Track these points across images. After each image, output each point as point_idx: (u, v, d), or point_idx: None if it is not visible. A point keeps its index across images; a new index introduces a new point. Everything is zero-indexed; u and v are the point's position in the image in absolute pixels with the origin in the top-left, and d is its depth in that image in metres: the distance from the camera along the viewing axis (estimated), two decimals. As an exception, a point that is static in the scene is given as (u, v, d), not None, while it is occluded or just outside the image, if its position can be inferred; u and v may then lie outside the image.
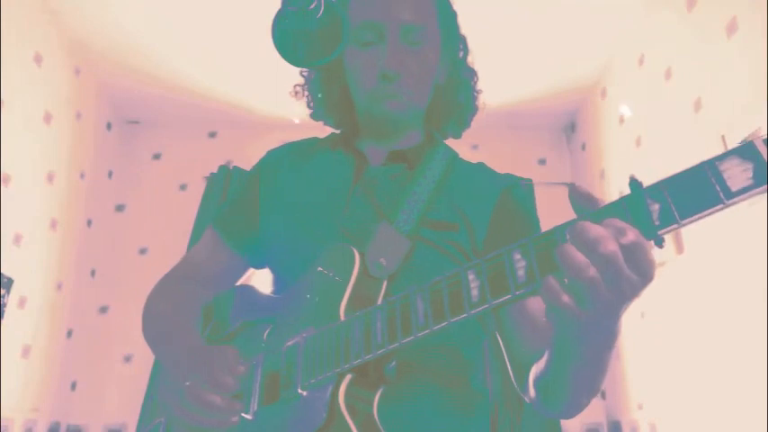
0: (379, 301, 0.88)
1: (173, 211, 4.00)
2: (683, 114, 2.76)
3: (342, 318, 0.87)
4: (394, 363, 0.84)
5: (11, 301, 3.02)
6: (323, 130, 1.29)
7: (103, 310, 3.86)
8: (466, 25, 1.26)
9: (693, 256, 2.67)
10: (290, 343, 0.90)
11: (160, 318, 1.12)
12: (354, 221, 1.02)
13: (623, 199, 0.60)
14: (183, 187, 4.14)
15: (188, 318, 1.09)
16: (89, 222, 3.85)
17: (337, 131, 1.26)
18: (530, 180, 3.68)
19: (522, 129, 4.31)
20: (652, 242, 0.58)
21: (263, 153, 1.26)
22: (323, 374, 0.82)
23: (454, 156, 1.16)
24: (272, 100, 3.89)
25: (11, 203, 2.95)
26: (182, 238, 3.70)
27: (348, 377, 0.82)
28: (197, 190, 4.04)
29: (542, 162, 4.29)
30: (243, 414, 0.88)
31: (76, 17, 3.28)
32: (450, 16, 1.18)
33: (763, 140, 0.55)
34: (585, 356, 0.69)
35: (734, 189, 0.55)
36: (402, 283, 0.91)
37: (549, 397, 0.82)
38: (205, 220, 3.74)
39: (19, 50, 3.00)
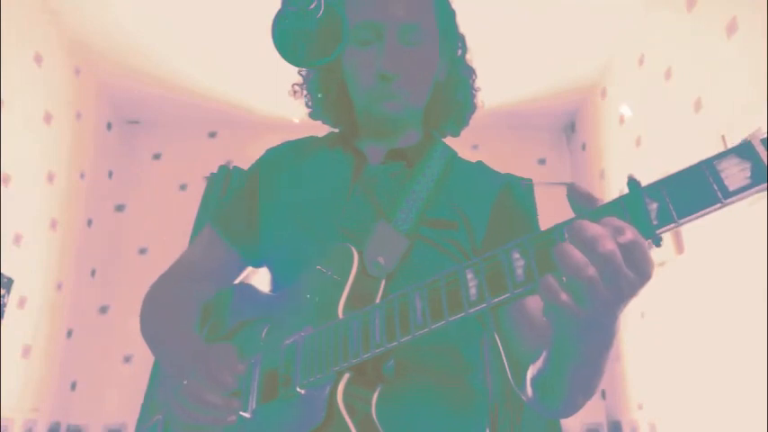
0: (378, 300, 0.88)
1: (173, 211, 4.00)
2: (683, 114, 2.76)
3: (340, 316, 0.87)
4: (392, 362, 0.84)
5: (11, 301, 3.02)
6: (323, 130, 1.30)
7: (103, 310, 3.86)
8: (466, 25, 1.26)
9: (693, 256, 2.68)
10: (288, 342, 0.91)
11: (158, 316, 1.12)
12: (353, 220, 1.02)
13: (622, 198, 0.60)
14: (183, 187, 4.14)
15: (186, 316, 1.09)
16: (89, 222, 3.85)
17: (336, 130, 1.26)
18: (530, 180, 3.69)
19: (522, 129, 4.31)
20: (650, 241, 0.58)
21: (262, 153, 1.27)
22: (321, 373, 0.82)
23: (453, 154, 1.16)
24: (272, 100, 3.90)
25: (11, 203, 2.96)
26: (182, 238, 3.70)
27: (346, 376, 0.82)
28: (197, 190, 4.04)
29: (542, 162, 4.29)
30: (241, 412, 0.88)
31: (76, 17, 3.28)
32: (449, 15, 1.18)
33: (761, 140, 0.55)
34: (584, 355, 0.69)
35: (732, 188, 0.55)
36: (401, 282, 0.90)
37: (547, 396, 0.82)
38: (205, 219, 3.74)
39: (19, 50, 3.00)
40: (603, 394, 3.66)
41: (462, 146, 1.24)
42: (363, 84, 1.09)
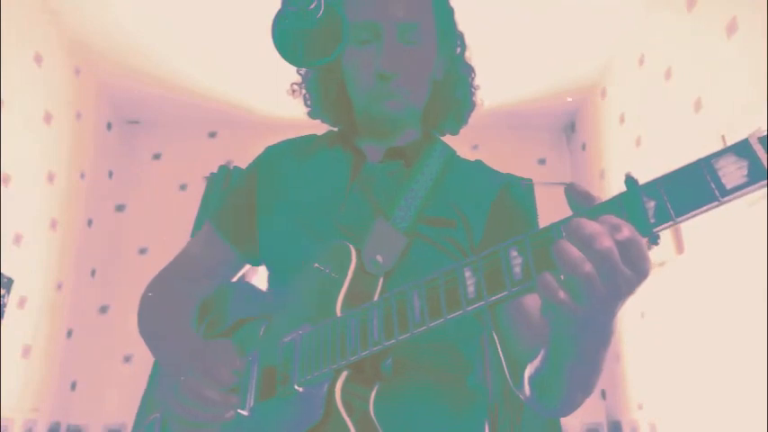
0: (376, 298, 0.88)
1: (173, 211, 4.00)
2: (683, 114, 2.76)
3: (338, 314, 0.87)
4: (390, 359, 0.84)
5: (11, 301, 3.02)
6: (324, 130, 1.30)
7: (103, 310, 3.87)
8: (466, 26, 1.26)
9: (693, 256, 2.68)
10: (286, 339, 0.91)
11: (155, 314, 1.13)
12: (351, 218, 1.02)
13: (619, 196, 0.60)
14: (183, 187, 4.14)
15: (183, 314, 1.09)
16: (89, 222, 3.85)
17: (335, 129, 1.26)
18: (530, 180, 3.69)
19: (522, 129, 4.31)
20: (648, 239, 0.58)
21: (262, 151, 1.27)
22: (319, 371, 0.82)
23: (452, 153, 1.16)
24: (272, 100, 3.90)
25: (11, 203, 2.96)
26: (182, 238, 3.69)
27: (344, 374, 0.82)
28: (197, 190, 4.04)
29: (542, 162, 4.29)
30: (239, 410, 0.88)
31: (76, 17, 3.29)
32: (447, 13, 1.18)
33: (759, 138, 0.55)
34: (581, 353, 0.69)
35: (729, 186, 0.55)
36: (399, 280, 0.90)
37: (545, 394, 0.82)
38: (205, 219, 3.74)
39: (19, 50, 3.00)
40: (603, 394, 3.66)
41: (462, 146, 1.24)
42: (362, 83, 1.09)
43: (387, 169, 1.10)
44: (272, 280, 1.11)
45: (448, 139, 1.24)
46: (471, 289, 0.68)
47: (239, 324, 1.03)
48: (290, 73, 1.24)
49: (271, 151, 1.24)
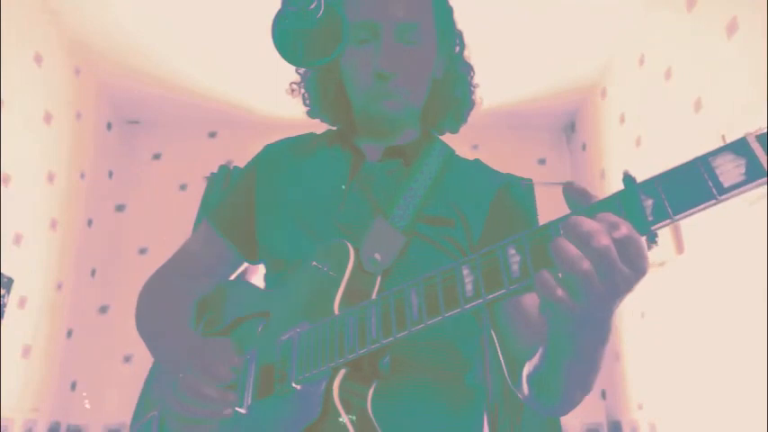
0: (374, 297, 0.88)
1: (173, 211, 4.00)
2: (683, 114, 2.76)
3: (336, 312, 0.87)
4: (388, 357, 0.84)
5: (11, 301, 3.02)
6: (323, 129, 1.30)
7: (103, 310, 3.87)
8: (466, 26, 1.26)
9: (693, 256, 2.67)
10: (284, 337, 0.91)
11: (154, 312, 1.13)
12: (350, 217, 1.02)
13: (617, 194, 0.60)
14: (183, 187, 4.15)
15: (181, 312, 1.09)
16: (89, 222, 3.86)
17: (334, 128, 1.26)
18: (530, 180, 3.69)
19: (522, 129, 4.31)
20: (646, 237, 0.58)
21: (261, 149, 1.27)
22: (317, 369, 0.82)
23: (451, 152, 1.16)
24: (272, 100, 3.90)
25: (11, 203, 2.96)
26: (182, 238, 3.67)
27: (342, 371, 0.82)
28: (197, 190, 4.04)
29: (542, 162, 4.29)
30: (237, 408, 0.88)
31: (76, 17, 3.29)
32: (446, 12, 1.18)
33: (756, 137, 0.56)
34: (579, 351, 0.69)
35: (726, 185, 0.55)
36: (397, 279, 0.90)
37: (543, 392, 0.82)
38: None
39: (19, 50, 3.01)
40: (603, 394, 3.66)
41: (462, 145, 1.24)
42: (361, 83, 1.09)
43: (386, 168, 1.10)
44: (270, 278, 1.11)
45: (447, 138, 1.24)
46: (469, 287, 0.68)
47: (237, 322, 1.03)
48: (290, 73, 1.24)
49: (270, 150, 1.24)
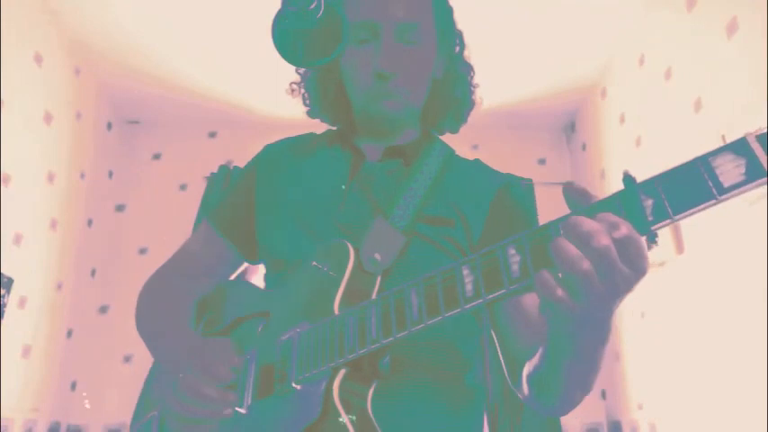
0: (374, 297, 0.88)
1: (173, 211, 4.00)
2: (683, 114, 2.76)
3: (336, 312, 0.87)
4: (388, 357, 0.84)
5: (11, 301, 3.02)
6: (323, 129, 1.30)
7: (103, 310, 3.87)
8: (466, 26, 1.26)
9: (693, 256, 2.67)
10: (284, 337, 0.91)
11: (154, 312, 1.13)
12: (350, 217, 1.02)
13: (617, 194, 0.60)
14: (183, 187, 4.15)
15: (181, 312, 1.09)
16: (89, 222, 3.86)
17: (334, 128, 1.26)
18: (530, 180, 3.69)
19: (522, 129, 4.31)
20: (646, 237, 0.58)
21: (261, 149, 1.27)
22: (317, 369, 0.82)
23: (451, 152, 1.16)
24: (272, 100, 3.90)
25: (11, 203, 2.96)
26: (182, 238, 3.67)
27: (342, 371, 0.82)
28: (197, 190, 4.04)
29: (542, 162, 4.29)
30: (237, 408, 0.88)
31: (76, 17, 3.29)
32: (446, 12, 1.18)
33: (756, 137, 0.56)
34: (579, 351, 0.69)
35: (726, 185, 0.55)
36: (397, 279, 0.90)
37: (543, 392, 0.82)
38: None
39: (19, 50, 3.01)
40: (603, 394, 3.66)
41: (462, 146, 1.23)
42: (360, 83, 1.09)
43: (386, 168, 1.10)
44: (269, 278, 1.11)
45: (448, 138, 1.24)
46: (469, 287, 0.68)
47: (237, 322, 1.03)
48: (290, 73, 1.25)
49: (269, 150, 1.24)
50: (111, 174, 4.12)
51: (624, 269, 0.58)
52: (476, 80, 1.25)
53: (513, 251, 0.65)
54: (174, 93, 3.95)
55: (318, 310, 0.89)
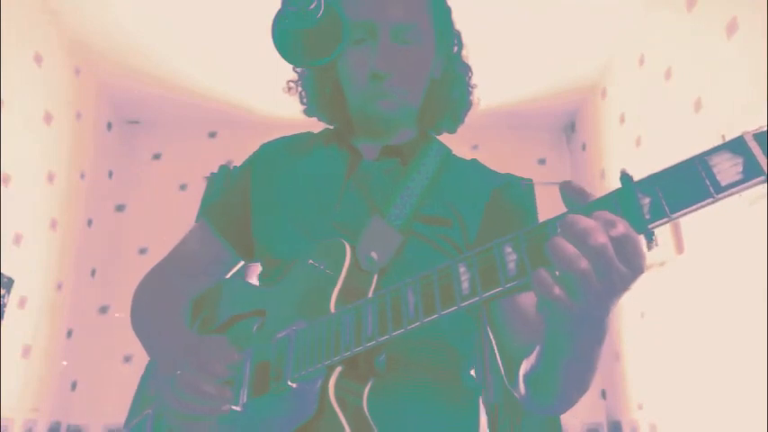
0: (370, 295, 0.88)
1: (173, 211, 4.00)
2: (683, 114, 2.76)
3: (332, 311, 0.87)
4: (384, 356, 0.84)
5: (11, 301, 3.02)
6: (322, 128, 1.30)
7: (103, 310, 3.87)
8: (466, 26, 1.26)
9: (693, 256, 2.67)
10: (280, 335, 0.91)
11: (149, 310, 1.13)
12: (347, 216, 1.02)
13: (614, 192, 0.60)
14: (183, 187, 4.15)
15: (177, 311, 1.09)
16: (89, 222, 3.86)
17: (331, 127, 1.26)
18: (530, 180, 3.69)
19: (522, 129, 4.31)
20: (643, 236, 0.58)
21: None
22: (313, 367, 0.82)
23: (448, 152, 1.16)
24: (272, 100, 3.90)
25: (11, 203, 2.96)
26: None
27: (338, 369, 0.82)
28: (197, 190, 4.05)
29: (542, 162, 4.29)
30: (232, 406, 0.88)
31: (76, 17, 3.29)
32: (444, 12, 1.18)
33: (753, 135, 0.56)
34: (577, 350, 0.69)
35: (723, 183, 0.55)
36: (393, 277, 0.90)
37: (540, 392, 0.82)
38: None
39: (19, 50, 3.01)
40: (603, 394, 3.66)
41: (462, 146, 1.23)
42: (357, 82, 1.09)
43: (383, 167, 1.10)
44: (266, 277, 1.11)
45: (448, 138, 1.23)
46: (465, 285, 0.68)
47: (233, 321, 1.03)
48: (290, 73, 1.25)
49: (266, 149, 1.24)
50: (111, 174, 4.12)
51: (621, 268, 0.58)
52: (475, 80, 1.25)
53: (509, 249, 0.65)
54: (174, 93, 3.96)
55: (315, 309, 0.89)
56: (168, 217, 4.01)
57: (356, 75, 1.08)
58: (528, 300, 0.93)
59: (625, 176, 0.60)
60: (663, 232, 2.77)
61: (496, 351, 0.99)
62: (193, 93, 3.96)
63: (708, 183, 0.55)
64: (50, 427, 3.44)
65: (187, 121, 4.27)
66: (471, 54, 1.26)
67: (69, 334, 3.64)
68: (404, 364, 0.91)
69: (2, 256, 2.89)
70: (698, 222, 2.61)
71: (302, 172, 1.13)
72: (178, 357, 0.92)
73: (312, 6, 0.77)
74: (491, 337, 1.01)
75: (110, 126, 4.11)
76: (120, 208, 4.13)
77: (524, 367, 0.83)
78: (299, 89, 1.25)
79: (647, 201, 0.58)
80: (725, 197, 0.55)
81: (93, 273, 3.90)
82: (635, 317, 3.26)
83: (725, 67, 2.47)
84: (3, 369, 2.88)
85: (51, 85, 3.36)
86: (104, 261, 3.95)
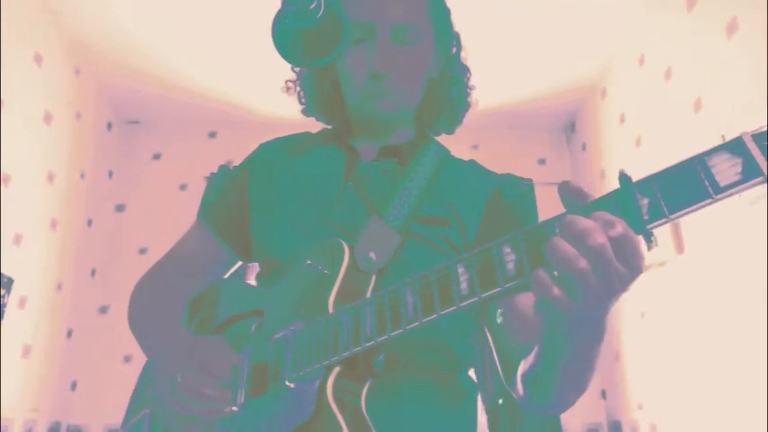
0: (369, 295, 0.88)
1: (173, 211, 4.00)
2: (683, 114, 2.76)
3: (330, 311, 0.87)
4: (382, 356, 0.84)
5: (11, 301, 3.02)
6: (321, 128, 1.29)
7: (103, 310, 3.87)
8: (466, 26, 1.25)
9: (693, 256, 2.67)
10: (278, 336, 0.91)
11: (147, 310, 1.13)
12: (345, 216, 1.02)
13: (613, 193, 0.60)
14: (182, 187, 4.15)
15: (175, 311, 1.09)
16: (89, 222, 3.86)
17: (329, 127, 1.26)
18: (530, 180, 3.68)
19: (522, 129, 4.31)
20: (642, 236, 0.58)
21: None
22: (311, 367, 0.82)
23: (446, 153, 1.16)
24: (272, 100, 3.90)
25: (11, 203, 2.96)
26: (182, 238, 3.70)
27: (336, 370, 0.82)
28: (197, 190, 4.05)
29: (542, 162, 4.29)
30: (231, 408, 0.89)
31: (76, 17, 3.29)
32: (443, 13, 1.17)
33: (752, 136, 0.56)
34: (575, 350, 0.69)
35: (722, 184, 0.55)
36: (391, 278, 0.90)
37: (537, 392, 0.82)
38: (204, 219, 3.75)
39: (19, 50, 3.01)
40: (603, 394, 3.66)
41: (462, 146, 1.23)
42: (355, 82, 1.08)
43: (381, 168, 1.10)
44: (264, 277, 1.11)
45: (448, 138, 1.23)
46: (464, 285, 0.68)
47: (231, 321, 1.03)
48: (290, 73, 1.25)
49: (263, 149, 1.24)
50: (111, 174, 4.12)
51: (620, 268, 0.58)
52: (475, 80, 1.25)
53: (508, 249, 0.65)
54: (174, 93, 3.96)
55: (313, 309, 0.89)
56: (168, 217, 4.01)
57: (355, 75, 1.08)
58: (526, 300, 0.93)
59: (624, 177, 0.60)
60: (663, 232, 2.77)
61: (494, 351, 0.99)
62: (193, 93, 3.96)
63: (707, 183, 0.56)
64: (50, 427, 3.44)
65: (187, 121, 4.27)
66: (471, 54, 1.26)
67: (69, 334, 3.64)
68: (402, 365, 0.92)
69: (2, 256, 2.89)
70: (698, 222, 2.61)
71: (300, 172, 1.13)
72: (177, 359, 0.92)
73: (312, 6, 0.77)
74: (489, 337, 1.01)
75: (110, 126, 4.11)
76: (120, 208, 4.13)
77: (522, 368, 0.82)
78: (298, 89, 1.25)
79: (645, 201, 0.58)
80: (724, 198, 0.55)
81: (93, 273, 3.90)
82: (635, 317, 3.26)
83: (725, 67, 2.47)
84: (3, 369, 2.88)
85: (51, 85, 3.36)
86: (104, 261, 3.95)
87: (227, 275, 1.21)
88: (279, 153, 1.20)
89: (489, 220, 1.04)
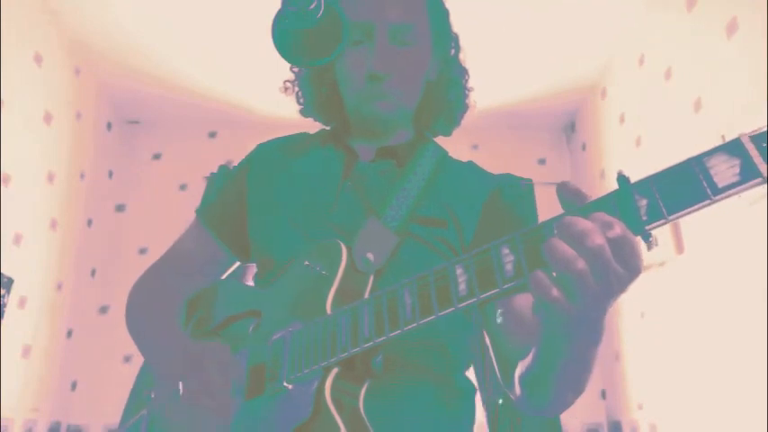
0: (366, 296, 0.88)
1: (173, 211, 4.00)
2: (683, 114, 2.76)
3: (328, 312, 0.87)
4: (381, 357, 0.84)
5: (11, 301, 3.02)
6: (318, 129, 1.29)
7: (103, 310, 3.87)
8: (466, 25, 1.25)
9: (693, 256, 2.67)
10: (276, 337, 0.90)
11: (145, 311, 1.13)
12: (343, 217, 1.02)
13: (611, 194, 0.60)
14: (182, 187, 4.15)
15: (173, 311, 1.09)
16: (89, 222, 3.86)
17: (327, 128, 1.26)
18: (529, 180, 3.68)
19: (522, 129, 4.31)
20: (640, 237, 0.58)
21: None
22: (309, 368, 0.82)
23: (444, 154, 1.16)
24: (272, 100, 3.90)
25: (11, 203, 2.96)
26: (182, 238, 3.70)
27: (334, 371, 0.82)
28: (197, 190, 4.05)
29: (542, 162, 4.29)
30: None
31: (76, 17, 3.29)
32: (442, 14, 1.17)
33: (750, 137, 0.56)
34: (573, 351, 0.69)
35: (720, 185, 0.55)
36: (389, 279, 0.90)
37: (535, 393, 0.82)
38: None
39: (19, 50, 3.01)
40: (603, 394, 3.66)
41: (462, 146, 1.23)
42: (354, 83, 1.08)
43: (379, 168, 1.10)
44: (261, 278, 1.11)
45: (448, 139, 1.23)
46: (462, 286, 0.68)
47: (228, 321, 1.03)
48: (290, 73, 1.25)
49: (262, 149, 1.24)
50: (111, 174, 4.12)
51: (618, 269, 0.58)
52: (475, 80, 1.25)
53: (506, 251, 0.65)
54: (174, 93, 3.96)
55: (310, 310, 0.89)
56: (168, 217, 4.00)
57: (353, 75, 1.08)
58: (524, 301, 0.93)
59: (622, 178, 0.60)
60: (662, 232, 2.77)
61: (492, 353, 0.98)
62: (193, 93, 3.96)
63: (705, 184, 0.56)
64: (50, 427, 3.44)
65: (187, 121, 4.27)
66: (471, 54, 1.26)
67: (69, 334, 3.65)
68: (400, 365, 0.91)
69: (2, 256, 2.89)
70: (698, 222, 2.61)
71: (298, 172, 1.13)
72: (176, 364, 0.92)
73: (312, 6, 0.77)
74: (487, 338, 1.00)
75: (110, 126, 4.11)
76: (120, 208, 4.13)
77: (520, 369, 0.82)
78: (296, 89, 1.25)
79: (644, 202, 0.58)
80: (722, 199, 0.55)
81: (93, 273, 3.90)
82: (635, 317, 3.26)
83: (725, 67, 2.46)
84: (3, 369, 2.88)
85: (51, 85, 3.36)
86: (104, 261, 3.95)
87: (225, 276, 1.21)
88: (277, 153, 1.20)
89: (488, 221, 1.03)
